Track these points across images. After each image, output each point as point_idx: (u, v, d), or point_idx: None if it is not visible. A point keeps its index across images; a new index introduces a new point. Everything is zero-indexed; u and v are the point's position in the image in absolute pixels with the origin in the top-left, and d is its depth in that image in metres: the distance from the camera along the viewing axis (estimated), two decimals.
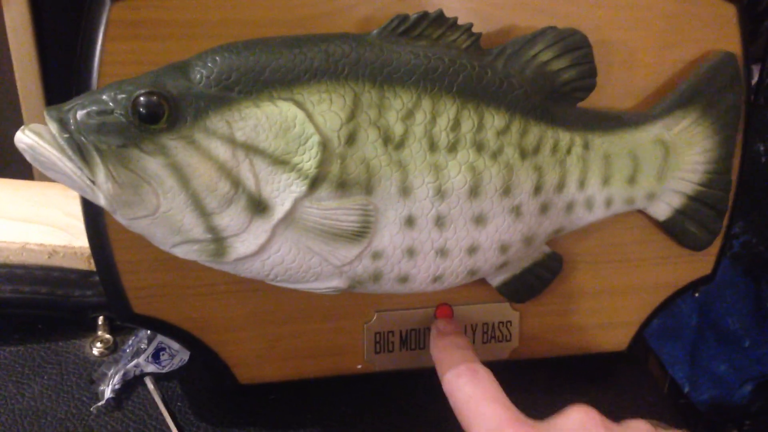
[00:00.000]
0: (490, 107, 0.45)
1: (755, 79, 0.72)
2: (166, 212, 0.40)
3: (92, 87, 0.44)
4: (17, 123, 0.75)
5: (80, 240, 0.59)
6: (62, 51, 0.73)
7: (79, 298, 0.58)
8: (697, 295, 0.82)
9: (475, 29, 0.45)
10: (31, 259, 0.58)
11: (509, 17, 0.49)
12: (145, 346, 0.56)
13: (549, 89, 0.46)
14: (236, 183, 0.40)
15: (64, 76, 0.70)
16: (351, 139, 0.42)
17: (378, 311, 0.53)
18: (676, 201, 0.52)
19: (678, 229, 0.53)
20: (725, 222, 0.55)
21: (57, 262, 0.58)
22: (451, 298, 0.54)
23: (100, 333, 0.59)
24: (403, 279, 0.46)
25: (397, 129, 0.43)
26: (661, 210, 0.52)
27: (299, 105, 0.41)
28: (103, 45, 0.44)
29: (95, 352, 0.58)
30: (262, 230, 0.41)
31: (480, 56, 0.45)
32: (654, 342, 0.85)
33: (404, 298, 0.53)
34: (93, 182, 0.38)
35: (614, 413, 0.53)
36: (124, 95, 0.38)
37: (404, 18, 0.43)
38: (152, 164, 0.39)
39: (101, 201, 0.39)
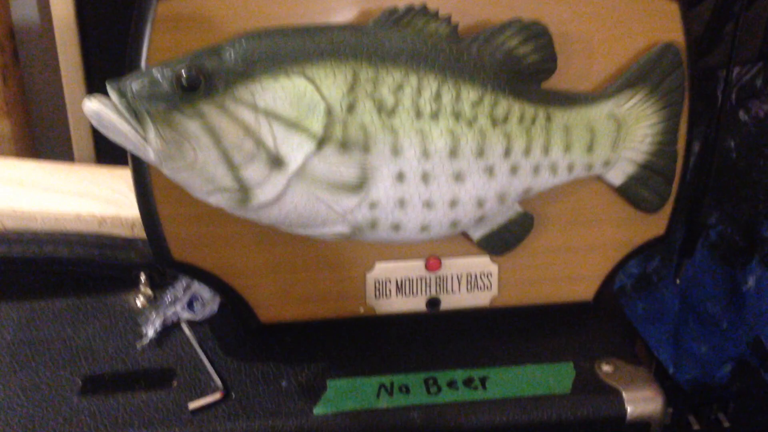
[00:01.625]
0: (466, 83, 0.54)
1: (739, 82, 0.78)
2: (203, 165, 0.49)
3: None
4: (62, 115, 0.84)
5: (125, 211, 0.68)
6: (104, 46, 0.80)
7: (124, 259, 0.68)
8: (678, 281, 0.86)
9: (453, 21, 0.54)
10: (84, 227, 0.68)
11: (484, 12, 0.57)
12: (181, 296, 0.65)
13: (516, 70, 0.55)
14: (258, 142, 0.49)
15: (105, 70, 0.78)
16: (351, 108, 0.51)
17: (378, 261, 0.62)
18: (629, 168, 0.61)
19: (632, 193, 0.62)
20: (675, 188, 0.63)
21: (106, 229, 0.68)
22: (439, 251, 0.62)
23: (142, 288, 0.68)
24: (396, 227, 0.55)
25: (389, 100, 0.52)
26: (617, 176, 0.61)
27: (309, 79, 0.50)
28: (150, 37, 0.54)
29: (138, 303, 0.67)
30: (279, 181, 0.51)
31: (458, 42, 0.54)
32: (640, 326, 0.90)
33: (399, 251, 0.61)
34: (145, 139, 0.48)
35: (583, 354, 0.62)
36: (169, 69, 0.48)
37: (394, 10, 0.53)
38: (191, 125, 0.48)
39: (151, 155, 0.48)
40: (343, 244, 0.60)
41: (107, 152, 0.82)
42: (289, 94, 0.50)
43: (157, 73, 0.48)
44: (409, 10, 0.53)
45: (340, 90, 0.51)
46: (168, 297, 0.66)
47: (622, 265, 0.66)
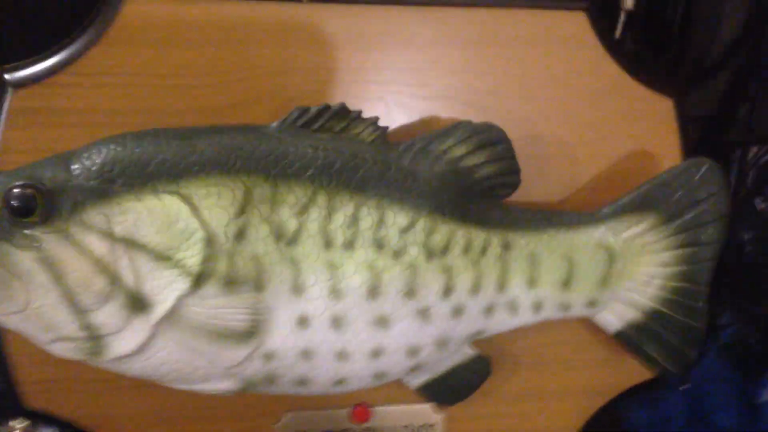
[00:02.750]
0: (392, 204, 0.42)
1: None
2: (38, 308, 0.38)
3: None
4: None
5: None
6: None
7: None
8: (684, 387, 0.79)
9: (393, 120, 0.43)
10: None
11: (431, 109, 0.48)
12: None
13: (463, 186, 0.44)
14: (114, 279, 0.39)
15: None
16: (240, 235, 0.40)
17: (289, 411, 0.50)
18: (629, 314, 0.49)
19: (632, 345, 0.49)
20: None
21: None
22: (368, 397, 0.51)
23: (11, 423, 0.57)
24: (302, 382, 0.44)
25: (290, 225, 0.41)
26: (609, 321, 0.49)
27: (184, 199, 0.39)
28: (2, 132, 0.44)
29: None
30: (141, 329, 0.39)
31: (385, 151, 0.43)
32: None
33: (318, 397, 0.50)
34: None
35: None
36: None
37: (305, 110, 0.42)
38: (23, 259, 0.38)
39: None
40: None
41: None
42: (157, 218, 0.39)
43: None
44: (324, 110, 0.42)
45: (225, 213, 0.40)
46: None
47: (598, 417, 0.54)
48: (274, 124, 0.42)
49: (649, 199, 0.47)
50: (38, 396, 0.47)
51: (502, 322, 0.47)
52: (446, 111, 0.48)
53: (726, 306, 0.70)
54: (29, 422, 0.55)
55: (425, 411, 0.52)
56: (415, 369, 0.46)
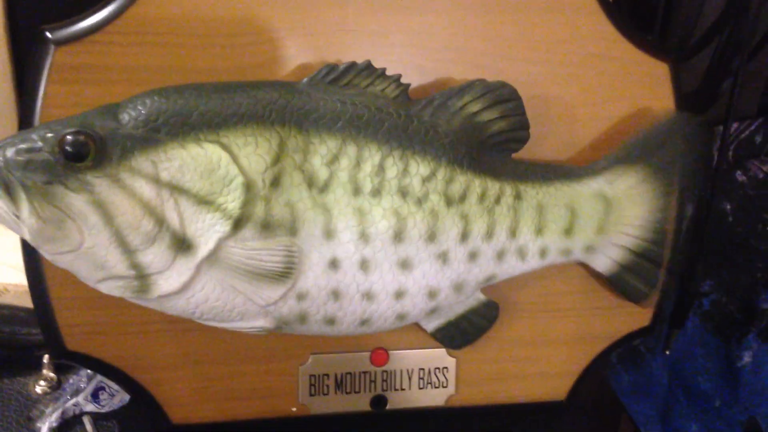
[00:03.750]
0: (415, 155, 0.46)
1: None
2: (90, 248, 0.41)
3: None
4: None
5: None
6: None
7: (25, 336, 0.59)
8: (668, 353, 0.82)
9: (410, 80, 0.47)
10: None
11: (445, 70, 0.51)
12: (85, 385, 0.56)
13: (478, 139, 0.48)
14: (160, 221, 0.41)
15: None
16: (275, 182, 0.43)
17: (313, 353, 0.53)
18: (619, 255, 0.52)
19: (621, 284, 0.53)
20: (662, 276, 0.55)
21: (6, 300, 0.59)
22: (387, 342, 0.54)
23: (44, 371, 0.59)
24: (330, 321, 0.47)
25: (322, 173, 0.44)
26: (603, 263, 0.53)
27: (225, 147, 0.42)
28: (46, 88, 0.46)
29: (38, 390, 0.58)
30: (185, 268, 0.42)
31: (408, 106, 0.46)
32: (627, 401, 0.84)
33: (340, 341, 0.53)
34: (18, 217, 0.39)
35: None
36: (51, 134, 0.40)
37: (333, 67, 0.45)
38: (77, 201, 0.40)
39: (26, 236, 0.40)
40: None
41: None
42: (200, 164, 0.42)
43: (37, 137, 0.40)
44: (351, 67, 0.45)
45: (262, 161, 0.43)
46: (70, 384, 0.57)
47: (599, 361, 0.57)
48: (305, 80, 0.45)
49: (641, 152, 0.51)
50: (78, 338, 0.49)
51: (512, 266, 0.50)
52: (459, 72, 0.51)
53: (708, 274, 0.74)
54: (55, 377, 0.58)
55: (439, 354, 0.55)
56: (432, 312, 0.49)
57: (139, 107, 0.42)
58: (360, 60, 0.45)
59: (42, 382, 0.58)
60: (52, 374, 0.59)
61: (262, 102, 0.43)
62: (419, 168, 0.46)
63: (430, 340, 0.53)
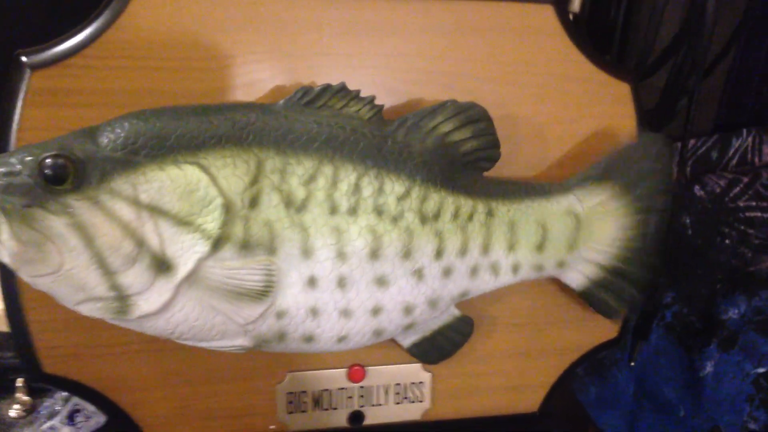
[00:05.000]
0: (390, 174, 0.47)
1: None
2: (70, 270, 0.41)
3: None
4: None
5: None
6: None
7: None
8: (633, 364, 0.83)
9: (383, 102, 0.48)
10: None
11: (417, 91, 0.52)
12: (60, 407, 0.56)
13: (450, 159, 0.49)
14: (140, 243, 0.42)
15: None
16: (254, 202, 0.44)
17: (290, 371, 0.54)
18: (592, 272, 0.53)
19: (594, 299, 0.54)
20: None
21: None
22: (364, 358, 0.55)
23: (18, 395, 0.58)
24: (308, 338, 0.47)
25: (299, 193, 0.45)
26: (575, 279, 0.54)
27: (203, 169, 0.43)
28: (21, 111, 0.46)
29: (12, 414, 0.58)
30: (165, 289, 0.43)
31: (382, 126, 0.47)
32: (593, 411, 0.85)
33: (316, 359, 0.54)
34: None
35: None
36: (31, 157, 0.40)
37: (308, 90, 0.46)
38: (57, 223, 0.40)
39: (5, 258, 0.40)
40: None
41: None
42: (179, 186, 0.42)
43: (15, 161, 0.40)
44: (325, 89, 0.46)
45: (240, 181, 0.43)
46: (46, 407, 0.56)
47: (570, 372, 0.58)
48: (281, 102, 0.46)
49: (610, 170, 0.52)
50: (55, 361, 0.49)
51: (485, 282, 0.51)
52: (430, 93, 0.52)
53: (670, 286, 0.76)
54: (29, 400, 0.57)
55: (415, 370, 0.56)
56: (408, 327, 0.50)
57: (118, 130, 0.42)
58: (334, 82, 0.46)
59: (16, 406, 0.58)
60: (26, 397, 0.58)
61: (240, 124, 0.44)
62: (394, 187, 0.47)
63: (406, 355, 0.53)
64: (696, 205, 0.76)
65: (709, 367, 0.75)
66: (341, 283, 0.46)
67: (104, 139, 0.42)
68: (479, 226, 0.50)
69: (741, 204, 0.75)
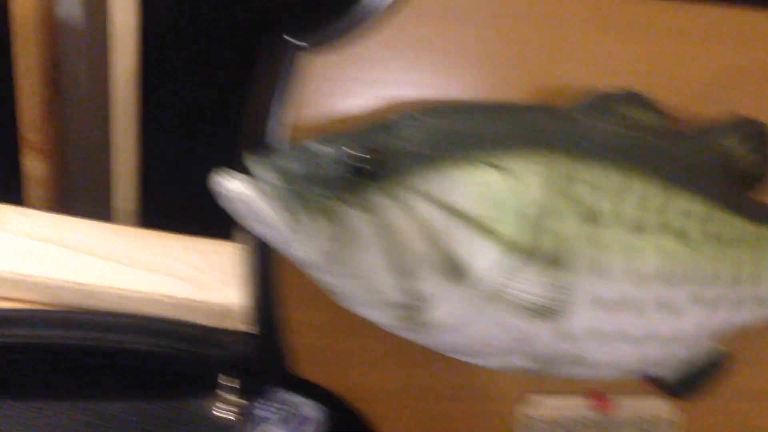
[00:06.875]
0: (675, 188, 0.43)
1: None
2: (364, 269, 0.38)
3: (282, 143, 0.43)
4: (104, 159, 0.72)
5: (205, 293, 0.56)
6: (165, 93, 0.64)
7: (202, 355, 0.55)
8: None
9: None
10: (155, 310, 0.56)
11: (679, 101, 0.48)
12: (274, 412, 0.53)
13: (729, 176, 0.46)
14: (434, 244, 0.38)
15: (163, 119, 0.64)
16: (547, 212, 0.40)
17: (529, 393, 0.50)
18: None
19: None
20: None
21: (182, 315, 0.56)
22: (608, 386, 0.51)
23: (223, 394, 0.55)
24: (591, 364, 0.44)
25: (601, 206, 0.41)
26: None
27: (500, 171, 0.39)
28: (292, 98, 0.43)
29: (218, 413, 0.54)
30: (456, 297, 0.39)
31: (669, 138, 0.44)
32: None
33: (557, 382, 0.50)
34: (293, 234, 0.36)
35: None
36: (333, 149, 0.37)
37: (599, 94, 0.43)
38: (354, 218, 0.37)
39: (299, 253, 0.37)
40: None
41: (153, 209, 0.68)
42: (475, 187, 0.39)
43: (318, 151, 0.38)
44: (614, 94, 0.44)
45: (533, 187, 0.40)
46: (258, 411, 0.53)
47: None
48: (569, 106, 0.43)
49: None
50: (305, 365, 0.46)
51: (753, 315, 0.47)
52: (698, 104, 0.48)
53: None
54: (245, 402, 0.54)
55: (662, 404, 0.52)
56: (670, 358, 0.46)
57: (417, 125, 0.39)
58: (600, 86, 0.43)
59: (221, 405, 0.55)
60: (233, 397, 0.55)
61: (531, 126, 0.41)
62: (681, 203, 0.43)
63: (650, 386, 0.49)
64: None
65: None
66: (629, 305, 0.42)
67: (404, 134, 0.39)
68: (750, 252, 0.46)
69: None
